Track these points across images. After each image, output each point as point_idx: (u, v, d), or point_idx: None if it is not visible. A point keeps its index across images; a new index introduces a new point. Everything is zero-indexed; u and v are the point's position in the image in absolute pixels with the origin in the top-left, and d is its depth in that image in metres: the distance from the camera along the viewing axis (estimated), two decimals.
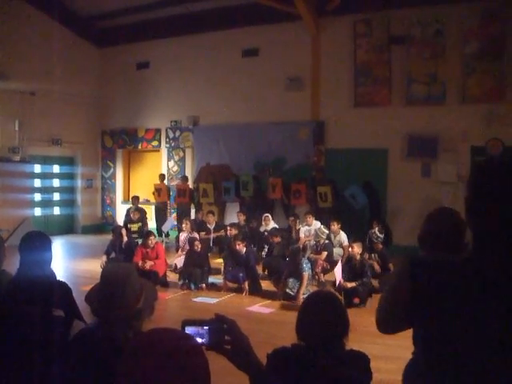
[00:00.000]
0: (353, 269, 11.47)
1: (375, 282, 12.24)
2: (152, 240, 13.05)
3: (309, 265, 11.98)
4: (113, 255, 13.65)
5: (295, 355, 3.24)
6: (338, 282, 11.00)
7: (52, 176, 21.90)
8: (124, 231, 14.31)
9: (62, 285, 4.70)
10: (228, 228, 14.96)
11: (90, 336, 3.22)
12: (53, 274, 4.64)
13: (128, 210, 18.65)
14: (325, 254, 13.33)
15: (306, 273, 11.61)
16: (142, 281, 3.45)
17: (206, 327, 2.14)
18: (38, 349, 3.74)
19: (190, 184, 20.19)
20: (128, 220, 17.65)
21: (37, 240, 4.84)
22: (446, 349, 2.18)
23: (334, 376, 3.08)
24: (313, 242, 13.95)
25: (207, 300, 11.70)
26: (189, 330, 2.13)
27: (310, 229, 14.75)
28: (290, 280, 11.50)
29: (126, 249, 13.72)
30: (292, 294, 11.30)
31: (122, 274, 3.28)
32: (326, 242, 13.84)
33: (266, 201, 18.33)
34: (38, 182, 21.10)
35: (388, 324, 2.71)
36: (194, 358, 1.72)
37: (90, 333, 3.25)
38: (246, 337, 2.24)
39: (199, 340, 2.10)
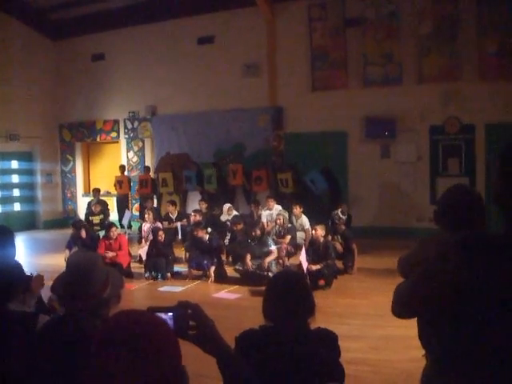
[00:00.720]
0: (316, 251, 11.58)
1: (339, 263, 12.38)
2: (114, 232, 13.01)
3: (271, 242, 12.16)
4: (75, 249, 13.50)
5: (263, 336, 3.26)
6: (305, 269, 11.07)
7: (11, 172, 21.64)
8: (83, 231, 14.11)
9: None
10: (192, 214, 14.92)
11: (57, 327, 3.19)
12: (18, 266, 4.53)
13: (89, 203, 18.56)
14: (288, 237, 13.38)
15: (274, 247, 11.83)
16: (108, 269, 3.43)
17: (169, 314, 2.12)
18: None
19: (152, 174, 20.12)
20: (89, 213, 17.53)
21: None
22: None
23: (303, 354, 3.10)
24: (276, 228, 13.94)
25: (173, 289, 11.71)
26: None
27: (271, 213, 14.77)
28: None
29: (89, 242, 13.62)
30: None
31: (86, 262, 3.25)
32: (289, 225, 13.90)
33: (227, 188, 18.30)
34: None
35: (409, 309, 2.68)
36: (162, 338, 1.73)
37: (58, 323, 3.23)
38: (211, 320, 2.23)
39: None
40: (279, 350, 3.11)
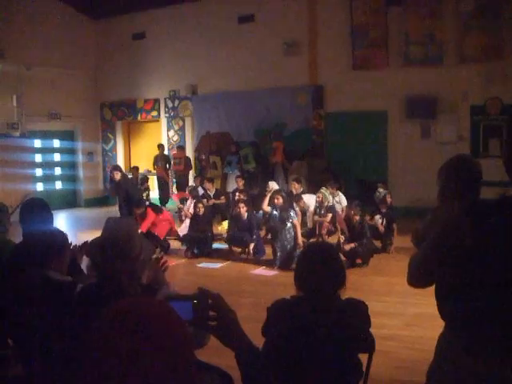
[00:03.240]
0: (352, 230, 11.59)
1: (378, 243, 12.37)
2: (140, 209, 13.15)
3: (293, 213, 12.01)
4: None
5: (294, 306, 3.29)
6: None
7: (53, 150, 21.89)
8: (118, 174, 14.25)
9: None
10: (237, 194, 14.86)
11: (97, 290, 3.23)
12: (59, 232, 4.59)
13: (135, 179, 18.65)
14: (329, 216, 13.34)
15: (295, 219, 11.79)
16: (139, 234, 3.50)
17: (189, 302, 2.08)
18: (40, 310, 3.76)
19: (188, 153, 20.31)
20: (143, 190, 17.47)
21: (36, 206, 4.95)
22: None
23: (333, 324, 3.13)
24: (316, 205, 13.86)
25: (211, 265, 11.83)
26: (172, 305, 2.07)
27: (312, 196, 14.70)
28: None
29: (122, 187, 13.84)
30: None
31: (127, 226, 3.31)
32: (330, 204, 13.87)
33: (268, 166, 18.18)
34: (38, 157, 21.13)
35: (424, 275, 2.71)
36: (167, 330, 1.70)
37: (97, 288, 3.26)
38: (232, 311, 2.16)
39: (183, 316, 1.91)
40: (310, 319, 3.14)
